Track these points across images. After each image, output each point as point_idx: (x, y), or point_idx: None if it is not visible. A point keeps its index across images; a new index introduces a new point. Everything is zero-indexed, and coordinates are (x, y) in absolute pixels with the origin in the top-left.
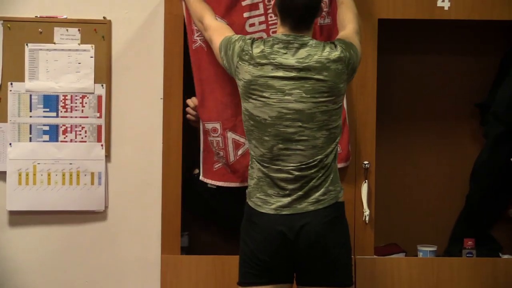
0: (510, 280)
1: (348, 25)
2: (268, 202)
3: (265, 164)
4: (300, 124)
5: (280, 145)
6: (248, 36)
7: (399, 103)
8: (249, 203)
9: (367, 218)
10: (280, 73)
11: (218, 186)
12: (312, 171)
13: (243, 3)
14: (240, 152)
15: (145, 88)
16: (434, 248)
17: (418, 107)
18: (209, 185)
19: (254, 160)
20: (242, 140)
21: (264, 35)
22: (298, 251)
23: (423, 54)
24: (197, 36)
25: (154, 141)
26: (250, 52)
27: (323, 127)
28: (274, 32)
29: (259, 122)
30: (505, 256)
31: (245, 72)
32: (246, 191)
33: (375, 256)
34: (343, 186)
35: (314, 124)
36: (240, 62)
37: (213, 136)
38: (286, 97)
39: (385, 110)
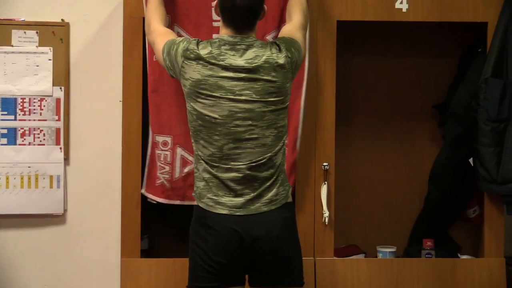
0: (469, 280)
1: (294, 18)
2: (220, 203)
3: (214, 164)
4: (250, 122)
5: (231, 144)
6: (192, 38)
7: (357, 105)
8: (200, 204)
9: (326, 220)
10: (230, 74)
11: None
12: (262, 169)
13: (214, 24)
14: (186, 170)
15: (104, 91)
16: (393, 249)
17: (376, 109)
18: (148, 199)
19: (202, 161)
20: (190, 158)
21: None
22: (253, 253)
23: (382, 56)
24: None
25: (113, 144)
26: (197, 51)
27: (271, 125)
28: None
29: (208, 121)
30: (464, 257)
31: (193, 72)
32: (193, 194)
33: (335, 258)
34: (302, 187)
35: (264, 123)
36: (186, 62)
37: (162, 150)
38: (236, 97)
39: (344, 111)
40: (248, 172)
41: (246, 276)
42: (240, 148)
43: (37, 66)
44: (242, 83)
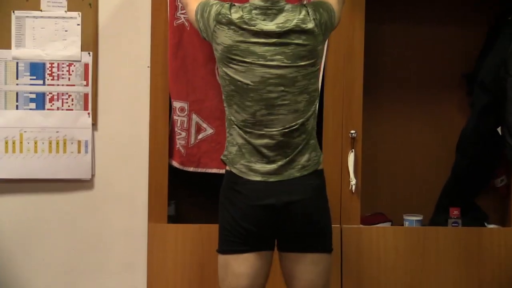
0: (495, 249)
1: None
2: (253, 169)
3: (247, 130)
4: (282, 88)
5: (263, 110)
6: (225, 2)
7: (386, 73)
8: (233, 170)
9: (353, 188)
10: (261, 39)
11: None
12: (295, 135)
13: None
14: (200, 136)
15: (132, 56)
16: (420, 218)
17: (404, 77)
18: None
19: (235, 126)
20: (204, 125)
21: None
22: (285, 219)
23: (411, 23)
24: (180, 13)
25: (141, 110)
26: (229, 16)
27: (304, 91)
28: None
29: (240, 87)
30: (491, 226)
31: (225, 37)
32: (224, 158)
33: (361, 225)
34: (329, 155)
35: (296, 88)
36: (218, 26)
37: (179, 115)
38: (268, 63)
39: (372, 79)
40: (281, 138)
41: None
42: (272, 114)
43: (66, 31)
44: (274, 48)
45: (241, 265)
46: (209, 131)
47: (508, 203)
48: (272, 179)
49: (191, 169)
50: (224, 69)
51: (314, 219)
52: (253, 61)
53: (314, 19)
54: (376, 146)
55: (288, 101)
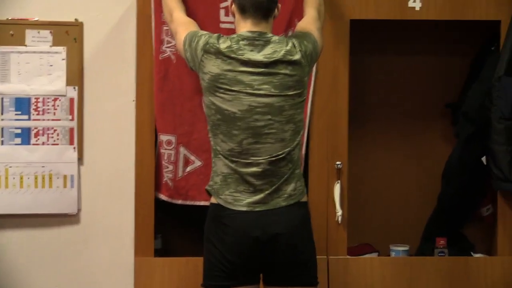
0: (481, 278)
1: (307, 13)
2: (239, 199)
3: (233, 159)
4: (269, 117)
5: (250, 139)
6: (214, 33)
7: (371, 103)
8: (218, 200)
9: (339, 219)
10: (249, 69)
11: None
12: (281, 164)
13: (221, 26)
14: (188, 169)
15: (117, 90)
16: (406, 248)
17: (389, 107)
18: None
19: (220, 155)
20: (192, 158)
21: None
22: (270, 250)
23: (395, 55)
24: (166, 47)
25: (127, 144)
26: (217, 45)
27: (290, 120)
28: None
29: (227, 116)
30: (477, 255)
31: (212, 66)
32: (209, 188)
33: (348, 256)
34: (315, 186)
35: (283, 117)
36: (205, 55)
37: (166, 149)
38: (255, 91)
39: (357, 110)
40: (268, 167)
41: (261, 275)
42: (259, 143)
43: (51, 65)
44: (261, 77)
45: None
46: (198, 163)
47: (494, 232)
48: (258, 208)
49: (179, 201)
50: (210, 98)
51: (299, 250)
52: (240, 90)
53: (300, 50)
54: (362, 176)
55: (275, 129)
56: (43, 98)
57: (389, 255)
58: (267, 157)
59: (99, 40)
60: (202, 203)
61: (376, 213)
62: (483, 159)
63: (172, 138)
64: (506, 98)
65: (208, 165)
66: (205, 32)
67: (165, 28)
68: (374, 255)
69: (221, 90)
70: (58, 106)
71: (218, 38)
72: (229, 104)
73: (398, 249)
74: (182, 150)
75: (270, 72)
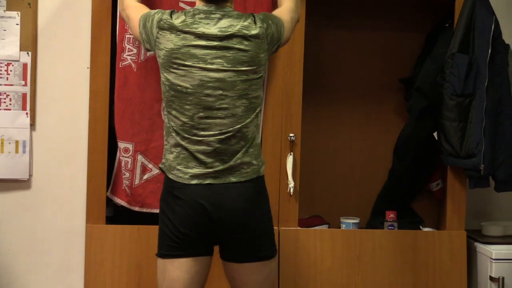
0: (430, 252)
1: (283, 4)
2: (189, 173)
3: (185, 136)
4: (221, 92)
5: (201, 113)
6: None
7: (325, 77)
8: (170, 176)
9: (291, 190)
10: (203, 42)
11: None
12: (232, 142)
13: (180, 4)
14: (145, 177)
15: (71, 57)
16: (357, 221)
17: (344, 81)
18: (113, 202)
19: (173, 133)
20: (150, 166)
21: None
22: (221, 226)
23: (350, 28)
24: (127, 55)
25: (80, 111)
26: (170, 21)
27: (243, 96)
28: None
29: (179, 91)
30: (426, 229)
31: (167, 41)
32: (162, 166)
33: (298, 228)
34: (268, 158)
35: (235, 93)
36: (160, 32)
37: (124, 156)
38: (207, 66)
39: (311, 84)
40: (218, 145)
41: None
42: (210, 117)
43: (5, 30)
44: (214, 51)
45: (177, 269)
46: (155, 171)
47: (443, 207)
48: (208, 181)
49: (136, 208)
50: (165, 74)
51: (251, 228)
52: (192, 64)
53: (260, 27)
54: (315, 149)
55: (226, 105)
56: None
57: (339, 228)
58: (217, 132)
59: (54, 6)
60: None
61: (328, 186)
62: (435, 134)
63: (130, 146)
64: (459, 75)
65: None
66: (156, 10)
67: (127, 35)
68: (325, 227)
69: (175, 66)
70: (11, 71)
71: (171, 13)
72: (181, 79)
73: (349, 222)
74: (140, 157)
75: (224, 46)
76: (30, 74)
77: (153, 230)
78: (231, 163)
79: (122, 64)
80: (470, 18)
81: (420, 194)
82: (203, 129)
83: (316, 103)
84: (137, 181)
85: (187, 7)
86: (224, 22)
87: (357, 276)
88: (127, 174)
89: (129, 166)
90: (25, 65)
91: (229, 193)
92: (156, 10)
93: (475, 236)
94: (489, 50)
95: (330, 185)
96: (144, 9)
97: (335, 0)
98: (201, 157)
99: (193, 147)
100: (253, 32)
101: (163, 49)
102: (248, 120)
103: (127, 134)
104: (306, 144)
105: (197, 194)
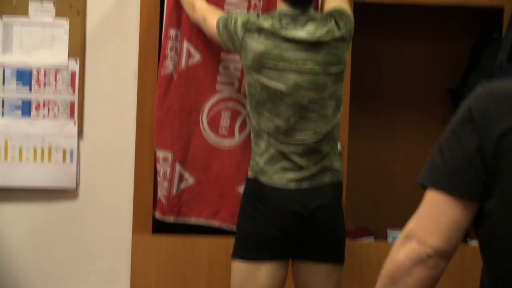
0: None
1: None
2: (285, 177)
3: (279, 137)
4: (314, 94)
5: (296, 116)
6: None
7: (372, 88)
8: (263, 179)
9: None
10: (293, 45)
11: None
12: (324, 142)
13: None
14: (182, 186)
15: (119, 65)
16: None
17: (391, 92)
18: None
19: (264, 134)
20: (186, 175)
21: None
22: (309, 226)
23: (397, 39)
24: (169, 62)
25: (127, 120)
26: (258, 23)
27: (332, 96)
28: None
29: (273, 93)
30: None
31: (256, 43)
32: (251, 170)
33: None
34: None
35: (326, 94)
36: (248, 33)
37: (162, 165)
38: (300, 68)
39: (359, 94)
40: (312, 147)
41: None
42: (304, 119)
43: (53, 38)
44: (305, 54)
45: (263, 274)
46: (190, 181)
47: None
48: (304, 186)
49: (171, 219)
50: (255, 76)
51: (334, 227)
52: (285, 67)
53: (341, 28)
54: (362, 160)
55: (318, 106)
56: (45, 71)
57: (386, 239)
58: (311, 134)
59: (102, 14)
60: (192, 220)
61: (375, 198)
62: None
63: (169, 155)
64: None
65: (200, 183)
66: (237, 13)
67: (170, 43)
68: (371, 239)
69: (266, 68)
70: (59, 79)
71: (258, 16)
72: (275, 81)
73: (396, 234)
74: (178, 167)
75: (314, 49)
76: (78, 82)
77: (198, 241)
78: (324, 163)
79: (164, 72)
80: None
81: None
82: (299, 130)
83: (364, 114)
84: (174, 191)
85: (232, 8)
86: (311, 26)
87: None
88: (165, 184)
89: (167, 175)
90: (73, 73)
91: (322, 193)
92: (235, 14)
93: None
94: None
95: (378, 197)
96: (218, 10)
97: (383, 8)
98: (295, 158)
99: (287, 149)
100: (338, 34)
101: (251, 50)
102: (335, 120)
103: (167, 143)
104: (353, 155)
105: (290, 198)
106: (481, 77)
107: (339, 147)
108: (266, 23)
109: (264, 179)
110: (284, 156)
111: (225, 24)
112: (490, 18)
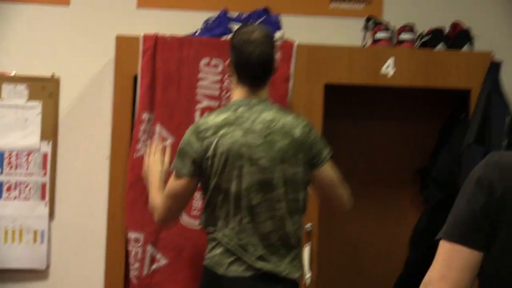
0: None
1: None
2: (239, 268)
3: (232, 237)
4: (262, 194)
5: (248, 217)
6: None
7: (341, 167)
8: (219, 270)
9: (307, 282)
10: (249, 139)
11: None
12: (279, 244)
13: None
14: (153, 267)
15: (91, 147)
16: None
17: (358, 172)
18: None
19: (218, 235)
20: (158, 256)
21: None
22: None
23: (366, 119)
24: (140, 146)
25: (99, 201)
26: (209, 124)
27: (285, 196)
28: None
29: (228, 195)
30: None
31: (219, 145)
32: (208, 261)
33: None
34: None
35: (275, 195)
36: (204, 143)
37: (133, 246)
38: (252, 167)
39: None
40: (265, 244)
41: None
42: (254, 221)
43: (26, 120)
44: (260, 148)
45: None
46: (163, 262)
47: None
48: (262, 271)
49: None
50: (216, 180)
51: None
52: (241, 166)
53: (304, 126)
54: (332, 239)
55: (268, 207)
56: (17, 153)
57: None
58: (264, 235)
59: (75, 96)
60: None
61: (345, 276)
62: None
63: (140, 236)
64: (475, 166)
65: (173, 264)
66: (185, 137)
67: (142, 128)
68: None
69: (227, 169)
70: (31, 161)
71: (206, 118)
72: (232, 183)
73: None
74: (149, 248)
75: (268, 142)
76: (50, 163)
77: None
78: (282, 259)
79: (136, 155)
80: (486, 109)
81: None
82: (249, 233)
83: None
84: (145, 271)
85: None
86: (266, 116)
87: None
88: (136, 265)
89: (139, 256)
90: (45, 155)
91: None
92: (184, 140)
93: None
94: (505, 142)
95: (347, 276)
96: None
97: (354, 89)
98: (251, 249)
99: (240, 246)
100: (295, 130)
101: (214, 155)
102: (290, 223)
103: (138, 224)
104: (322, 234)
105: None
106: (449, 157)
107: (308, 226)
108: (218, 118)
109: (220, 269)
110: (239, 247)
111: (182, 161)
112: (458, 99)
